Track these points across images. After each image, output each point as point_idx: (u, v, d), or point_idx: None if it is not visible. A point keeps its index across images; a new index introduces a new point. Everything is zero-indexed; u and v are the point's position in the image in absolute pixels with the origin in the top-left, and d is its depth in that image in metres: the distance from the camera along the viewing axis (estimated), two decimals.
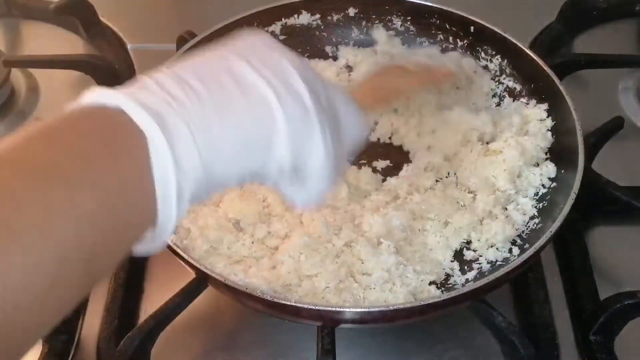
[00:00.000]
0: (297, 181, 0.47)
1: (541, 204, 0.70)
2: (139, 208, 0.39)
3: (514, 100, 0.80)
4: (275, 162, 0.45)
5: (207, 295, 0.64)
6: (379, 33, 0.86)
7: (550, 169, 0.71)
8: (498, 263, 0.66)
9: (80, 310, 0.68)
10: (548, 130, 0.74)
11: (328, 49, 0.87)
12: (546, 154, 0.74)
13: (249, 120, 0.43)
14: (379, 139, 0.79)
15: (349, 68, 0.85)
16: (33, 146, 0.36)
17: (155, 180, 0.39)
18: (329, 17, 0.86)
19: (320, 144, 0.46)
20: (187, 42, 0.79)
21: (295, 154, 0.45)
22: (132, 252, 0.42)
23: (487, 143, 0.75)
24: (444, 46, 0.85)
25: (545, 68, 0.75)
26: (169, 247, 0.60)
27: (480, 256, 0.67)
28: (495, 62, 0.81)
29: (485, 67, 0.82)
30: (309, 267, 0.62)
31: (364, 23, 0.87)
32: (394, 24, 0.86)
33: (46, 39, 0.97)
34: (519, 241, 0.68)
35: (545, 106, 0.75)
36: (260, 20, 0.84)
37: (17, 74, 0.90)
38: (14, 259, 0.32)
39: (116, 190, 0.37)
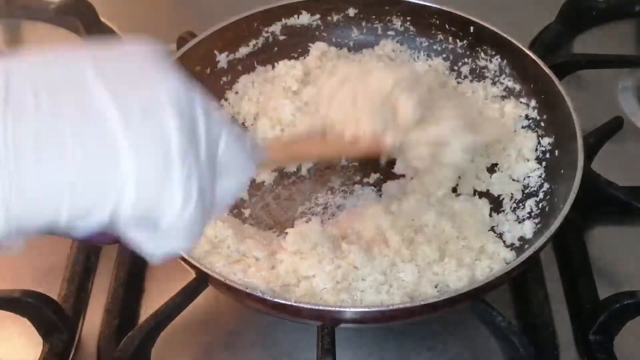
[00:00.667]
0: (146, 229, 0.39)
1: (541, 204, 0.70)
2: None
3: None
4: (110, 213, 0.36)
5: (207, 295, 0.64)
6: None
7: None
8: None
9: (80, 310, 0.68)
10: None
11: None
12: (543, 154, 0.74)
13: (82, 162, 0.34)
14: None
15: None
16: None
17: None
18: (329, 18, 0.86)
19: (179, 199, 0.37)
20: (187, 42, 0.79)
21: (142, 207, 0.37)
22: None
23: None
24: (443, 46, 0.85)
25: (545, 68, 0.75)
26: None
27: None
28: (495, 62, 0.82)
29: (485, 68, 0.83)
30: (306, 267, 0.63)
31: (364, 23, 0.87)
32: (394, 25, 0.86)
33: (47, 39, 0.97)
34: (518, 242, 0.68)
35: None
36: (260, 20, 0.84)
37: None
38: None
39: None
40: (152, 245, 0.40)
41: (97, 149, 0.35)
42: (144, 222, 0.38)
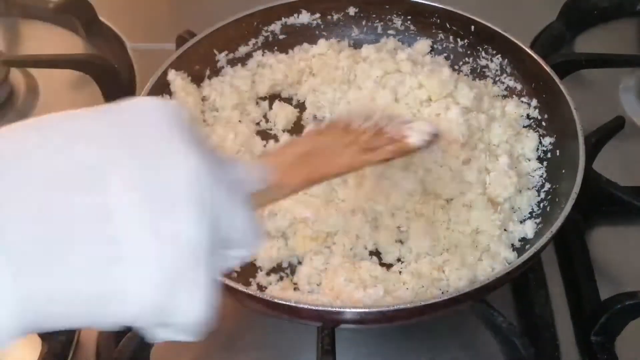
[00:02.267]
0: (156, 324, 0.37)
1: (542, 204, 0.70)
2: None
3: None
4: (121, 320, 0.34)
5: None
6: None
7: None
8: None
9: None
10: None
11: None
12: (545, 153, 0.74)
13: (92, 274, 0.31)
14: None
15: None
16: None
17: None
18: (329, 17, 0.86)
19: (193, 302, 0.35)
20: (186, 41, 0.79)
21: (158, 313, 0.34)
22: None
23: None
24: (444, 46, 0.84)
25: (546, 67, 0.75)
26: None
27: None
28: (496, 62, 0.81)
29: (486, 67, 0.82)
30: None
31: (364, 22, 0.87)
32: (394, 24, 0.86)
33: (45, 38, 0.97)
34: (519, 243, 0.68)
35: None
36: (260, 19, 0.83)
37: (16, 74, 0.90)
38: None
39: None
40: (159, 334, 0.38)
41: (106, 253, 0.31)
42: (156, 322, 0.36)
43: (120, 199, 0.31)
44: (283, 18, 0.85)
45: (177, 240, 0.32)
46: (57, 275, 0.31)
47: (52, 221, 0.30)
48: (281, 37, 0.85)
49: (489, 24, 0.80)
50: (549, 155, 0.74)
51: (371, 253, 0.67)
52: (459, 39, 0.83)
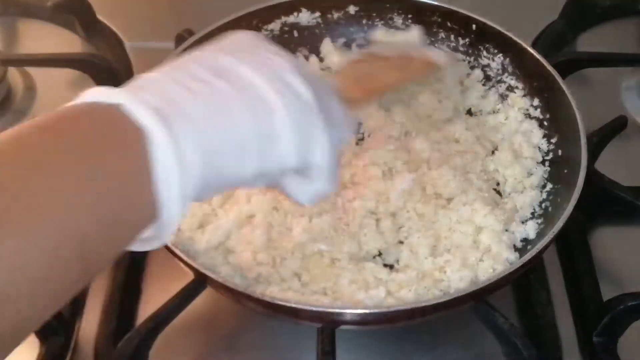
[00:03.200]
0: (302, 180, 0.48)
1: (544, 204, 0.70)
2: (137, 204, 0.39)
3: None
4: (278, 161, 0.45)
5: (205, 297, 0.64)
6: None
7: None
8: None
9: (77, 312, 0.68)
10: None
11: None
12: (547, 153, 0.73)
13: (248, 120, 0.43)
14: None
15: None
16: (29, 138, 0.36)
17: (157, 178, 0.39)
18: (329, 16, 0.86)
19: (325, 141, 0.46)
20: (185, 40, 0.78)
21: (300, 152, 0.46)
22: (129, 249, 0.41)
23: None
24: (445, 44, 0.84)
25: (548, 66, 0.74)
26: (168, 249, 0.59)
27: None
28: (497, 61, 0.81)
29: (487, 66, 0.82)
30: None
31: (364, 21, 0.86)
32: (395, 22, 0.85)
33: (43, 37, 0.96)
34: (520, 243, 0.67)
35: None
36: (260, 18, 0.83)
37: (14, 73, 0.90)
38: (5, 245, 0.32)
39: (113, 184, 0.37)
40: (305, 193, 0.49)
41: (259, 114, 0.43)
42: (300, 173, 0.47)
43: (255, 75, 0.45)
44: (283, 17, 0.84)
45: (299, 96, 0.45)
46: (227, 126, 0.42)
47: (217, 89, 0.43)
48: (282, 36, 0.85)
49: (490, 23, 0.80)
50: (550, 155, 0.73)
51: (373, 254, 0.67)
52: (459, 38, 0.83)
